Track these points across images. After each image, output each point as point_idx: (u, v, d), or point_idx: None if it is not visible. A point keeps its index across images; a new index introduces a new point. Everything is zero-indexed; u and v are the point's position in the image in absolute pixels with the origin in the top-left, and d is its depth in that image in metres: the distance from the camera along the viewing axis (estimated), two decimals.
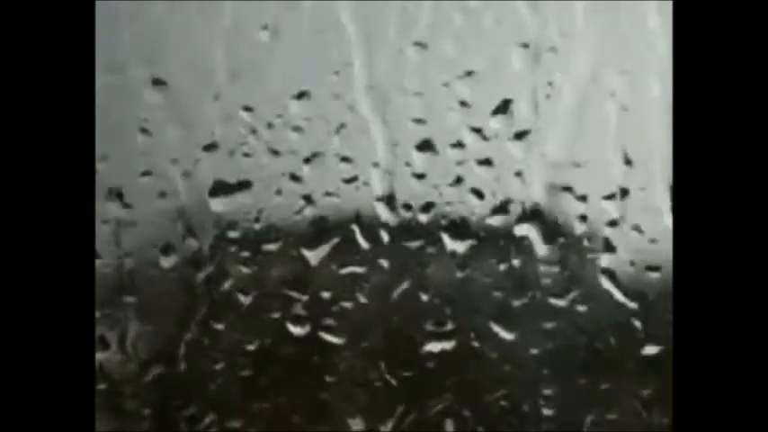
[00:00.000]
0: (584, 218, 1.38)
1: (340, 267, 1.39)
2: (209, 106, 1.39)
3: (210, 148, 1.39)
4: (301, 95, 1.39)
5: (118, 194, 1.39)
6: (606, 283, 1.39)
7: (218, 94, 1.39)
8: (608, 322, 1.39)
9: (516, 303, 1.39)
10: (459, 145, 1.39)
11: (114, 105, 1.38)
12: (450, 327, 1.39)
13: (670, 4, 1.18)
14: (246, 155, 1.39)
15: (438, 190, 1.39)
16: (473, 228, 1.39)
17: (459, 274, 1.39)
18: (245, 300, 1.39)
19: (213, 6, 1.38)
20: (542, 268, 1.39)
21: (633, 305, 1.38)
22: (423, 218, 1.39)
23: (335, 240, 1.39)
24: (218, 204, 1.39)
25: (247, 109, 1.39)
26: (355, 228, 1.39)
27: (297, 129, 1.39)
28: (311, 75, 1.39)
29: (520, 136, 1.38)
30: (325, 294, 1.39)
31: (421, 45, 1.38)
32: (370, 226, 1.39)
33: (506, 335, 1.39)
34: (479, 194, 1.39)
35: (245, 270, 1.40)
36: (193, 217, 1.39)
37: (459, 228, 1.39)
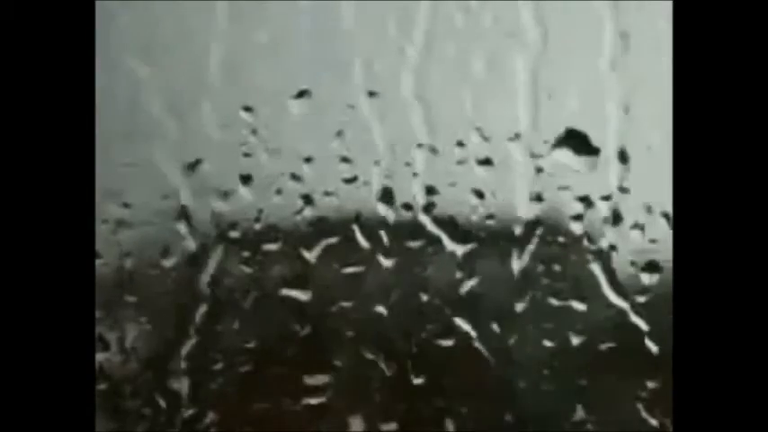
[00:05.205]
0: (583, 218, 1.39)
1: (340, 267, 1.39)
2: (209, 106, 1.39)
3: (210, 148, 1.39)
4: (301, 95, 1.39)
5: (118, 194, 1.39)
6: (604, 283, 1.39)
7: (218, 94, 1.39)
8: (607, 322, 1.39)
9: (516, 303, 1.39)
10: (459, 145, 1.39)
11: (114, 105, 1.38)
12: (450, 327, 1.39)
13: (670, 4, 1.18)
14: (246, 155, 1.39)
15: (438, 190, 1.39)
16: (473, 228, 1.39)
17: (459, 274, 1.39)
18: (245, 300, 1.39)
19: (213, 6, 1.38)
20: (542, 268, 1.39)
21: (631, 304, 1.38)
22: (423, 218, 1.39)
23: (335, 240, 1.39)
24: (218, 204, 1.39)
25: (247, 109, 1.39)
26: (355, 228, 1.39)
27: (297, 129, 1.39)
28: (311, 75, 1.39)
29: (520, 136, 1.38)
30: (326, 294, 1.39)
31: (421, 45, 1.38)
32: (370, 226, 1.39)
33: (506, 335, 1.39)
34: (479, 194, 1.39)
35: (245, 270, 1.40)
36: (193, 217, 1.39)
37: (459, 228, 1.39)
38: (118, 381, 1.40)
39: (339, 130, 1.39)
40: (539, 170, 1.38)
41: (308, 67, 1.39)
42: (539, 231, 1.39)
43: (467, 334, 1.39)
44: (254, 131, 1.39)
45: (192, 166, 1.39)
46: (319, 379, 1.39)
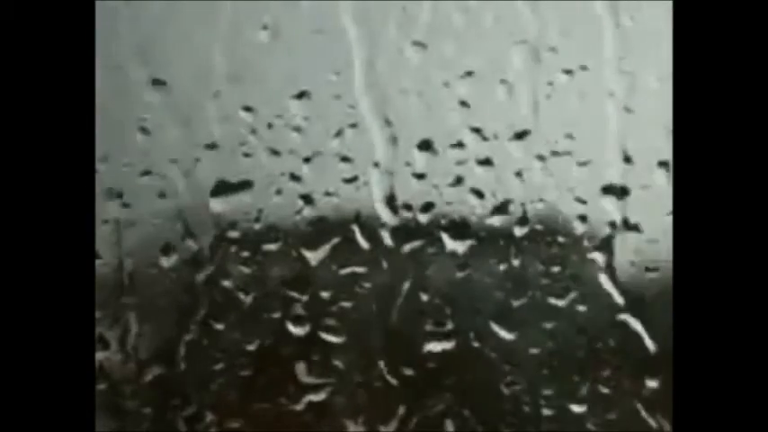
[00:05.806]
0: (583, 218, 1.39)
1: (340, 267, 1.39)
2: (209, 106, 1.39)
3: (210, 147, 1.39)
4: (301, 95, 1.39)
5: (118, 194, 1.39)
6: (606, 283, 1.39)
7: (218, 94, 1.39)
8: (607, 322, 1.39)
9: (516, 303, 1.39)
10: (459, 145, 1.39)
11: (114, 105, 1.38)
12: (450, 327, 1.39)
13: (670, 4, 1.18)
14: (246, 155, 1.39)
15: (438, 190, 1.39)
16: (473, 228, 1.39)
17: (459, 274, 1.39)
18: (245, 300, 1.39)
19: (213, 6, 1.38)
20: (542, 268, 1.39)
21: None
22: (423, 218, 1.39)
23: (335, 240, 1.39)
24: (218, 204, 1.39)
25: (247, 109, 1.39)
26: (355, 228, 1.39)
27: (297, 129, 1.39)
28: (311, 75, 1.39)
29: (520, 136, 1.38)
30: (325, 294, 1.39)
31: (421, 45, 1.38)
32: (370, 226, 1.39)
33: (506, 335, 1.39)
34: (479, 194, 1.39)
35: (245, 270, 1.40)
36: (193, 217, 1.39)
37: (459, 228, 1.39)
38: (118, 381, 1.40)
39: (339, 130, 1.39)
40: (538, 170, 1.38)
41: (308, 67, 1.39)
42: (539, 231, 1.39)
43: (466, 334, 1.39)
44: (254, 131, 1.39)
45: (192, 166, 1.39)
46: (319, 380, 1.39)
